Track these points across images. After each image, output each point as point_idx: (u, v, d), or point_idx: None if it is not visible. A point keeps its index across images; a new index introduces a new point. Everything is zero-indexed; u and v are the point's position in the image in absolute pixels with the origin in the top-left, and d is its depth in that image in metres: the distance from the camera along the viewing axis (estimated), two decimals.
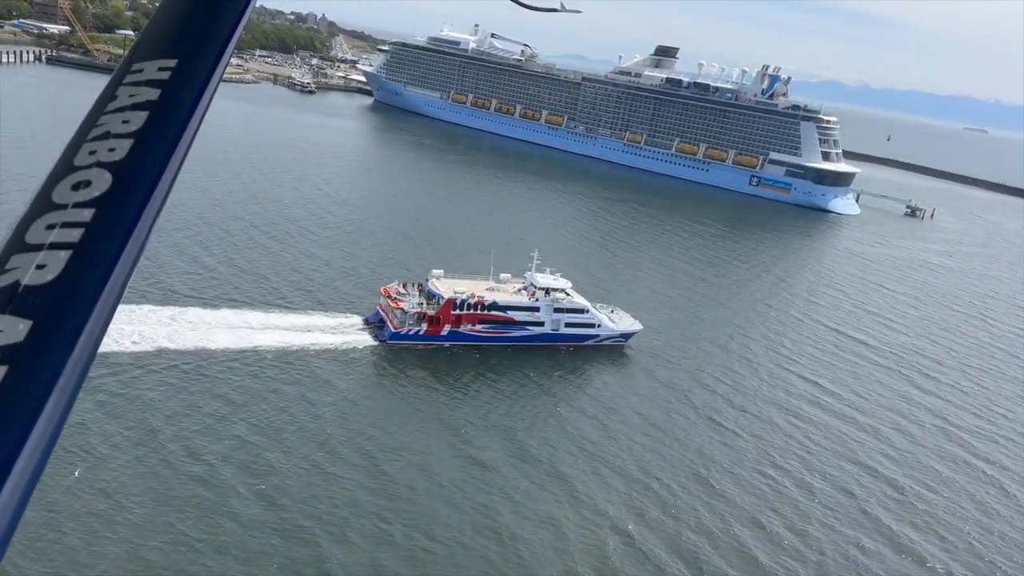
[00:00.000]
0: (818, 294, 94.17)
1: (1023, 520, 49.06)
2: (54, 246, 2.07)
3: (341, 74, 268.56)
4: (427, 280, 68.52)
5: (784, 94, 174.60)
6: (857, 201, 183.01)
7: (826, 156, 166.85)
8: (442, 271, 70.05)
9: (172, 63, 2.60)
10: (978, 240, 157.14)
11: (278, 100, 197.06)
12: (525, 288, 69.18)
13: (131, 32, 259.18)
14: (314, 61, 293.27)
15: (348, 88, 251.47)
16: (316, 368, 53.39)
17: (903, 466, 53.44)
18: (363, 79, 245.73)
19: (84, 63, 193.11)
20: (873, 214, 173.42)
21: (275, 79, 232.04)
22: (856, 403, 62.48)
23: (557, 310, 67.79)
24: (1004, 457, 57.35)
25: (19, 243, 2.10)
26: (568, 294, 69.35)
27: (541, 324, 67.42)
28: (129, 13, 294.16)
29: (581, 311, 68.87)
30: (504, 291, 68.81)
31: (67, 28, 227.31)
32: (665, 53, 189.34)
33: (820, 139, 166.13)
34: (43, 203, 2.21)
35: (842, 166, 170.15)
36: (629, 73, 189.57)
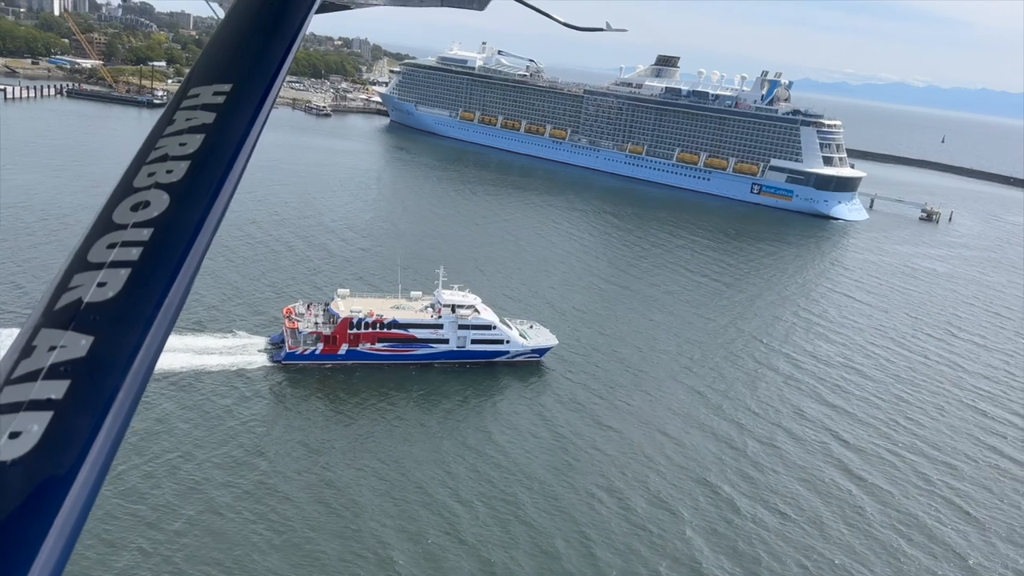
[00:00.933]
0: (762, 304, 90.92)
1: (865, 545, 46.21)
2: (114, 264, 2.13)
3: (364, 96, 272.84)
4: (332, 299, 68.99)
5: (786, 99, 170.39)
6: (871, 206, 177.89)
7: (828, 161, 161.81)
8: (348, 290, 70.40)
9: (227, 88, 2.68)
10: (987, 243, 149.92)
11: (290, 124, 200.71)
12: (432, 306, 68.94)
13: (163, 63, 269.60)
14: (343, 85, 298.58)
15: (367, 110, 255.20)
16: (162, 392, 53.80)
17: (756, 487, 50.95)
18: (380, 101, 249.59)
19: (102, 95, 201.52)
20: (885, 219, 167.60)
21: (293, 104, 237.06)
22: (739, 418, 59.95)
23: (463, 327, 67.21)
24: (881, 477, 54.20)
25: (81, 262, 2.16)
26: (477, 310, 68.68)
27: (446, 341, 67.00)
28: (165, 45, 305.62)
29: (488, 327, 68.13)
30: (411, 309, 68.66)
31: (100, 62, 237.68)
32: (666, 63, 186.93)
33: (821, 144, 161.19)
34: (104, 223, 2.28)
35: (846, 171, 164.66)
36: (630, 84, 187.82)
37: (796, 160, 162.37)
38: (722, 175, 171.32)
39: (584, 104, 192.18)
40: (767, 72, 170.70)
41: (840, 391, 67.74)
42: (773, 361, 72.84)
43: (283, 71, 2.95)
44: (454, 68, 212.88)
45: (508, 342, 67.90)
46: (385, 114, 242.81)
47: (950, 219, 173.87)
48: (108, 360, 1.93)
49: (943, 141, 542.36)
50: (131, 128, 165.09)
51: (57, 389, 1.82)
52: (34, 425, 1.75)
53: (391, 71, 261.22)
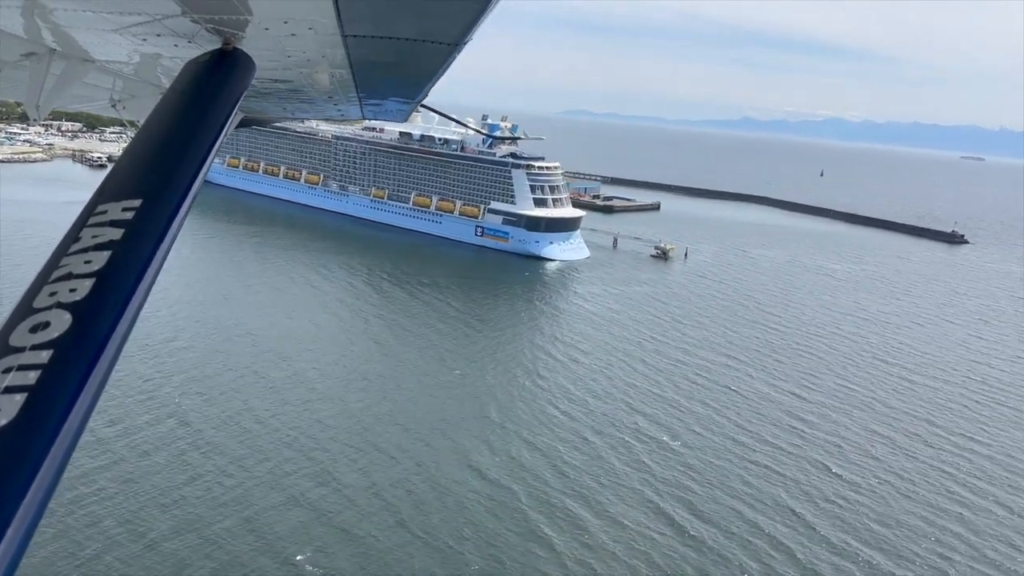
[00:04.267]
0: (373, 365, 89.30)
1: None
2: (9, 390, 1.98)
3: None
4: None
5: (508, 142, 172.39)
6: (615, 245, 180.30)
7: (541, 202, 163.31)
8: None
9: (137, 203, 2.65)
10: (688, 279, 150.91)
11: (49, 178, 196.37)
12: None
13: None
14: None
15: None
16: None
17: None
18: None
19: None
20: (617, 257, 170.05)
21: (74, 156, 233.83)
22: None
23: None
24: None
25: None
26: None
27: None
28: None
29: None
30: None
31: None
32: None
33: (532, 186, 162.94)
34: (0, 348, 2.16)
35: (561, 211, 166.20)
36: (374, 128, 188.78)
37: (510, 202, 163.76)
38: (452, 218, 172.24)
39: (333, 149, 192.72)
40: (486, 116, 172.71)
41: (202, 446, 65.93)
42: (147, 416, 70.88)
43: (195, 186, 2.94)
44: None
45: None
46: None
47: (685, 256, 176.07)
48: None
49: (822, 175, 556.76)
50: None
51: None
52: None
53: None
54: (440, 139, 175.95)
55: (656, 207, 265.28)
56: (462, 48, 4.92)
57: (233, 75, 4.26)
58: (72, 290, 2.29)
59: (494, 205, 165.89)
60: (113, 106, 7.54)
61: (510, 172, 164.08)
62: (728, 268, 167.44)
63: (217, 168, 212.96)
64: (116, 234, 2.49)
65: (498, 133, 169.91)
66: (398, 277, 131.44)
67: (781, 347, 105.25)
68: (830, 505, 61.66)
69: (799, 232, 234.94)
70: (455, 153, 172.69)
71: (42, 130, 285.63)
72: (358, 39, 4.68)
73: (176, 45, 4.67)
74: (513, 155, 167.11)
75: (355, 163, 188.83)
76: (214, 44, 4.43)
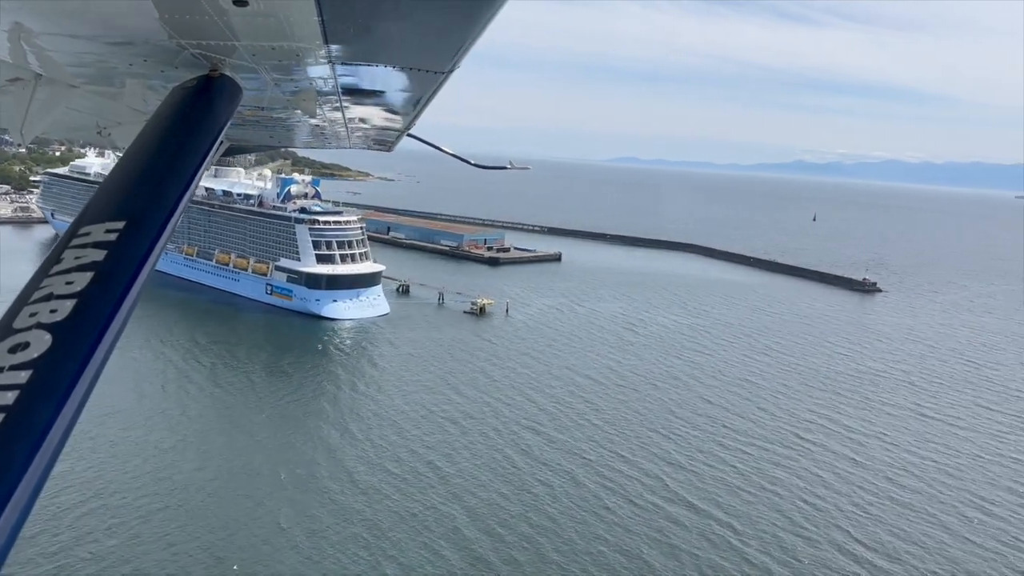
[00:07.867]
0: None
1: None
2: None
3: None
4: None
5: (312, 196, 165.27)
6: (441, 301, 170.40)
7: (326, 259, 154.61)
8: None
9: (120, 225, 2.70)
10: (468, 339, 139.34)
11: None
12: None
13: None
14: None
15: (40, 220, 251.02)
16: None
17: None
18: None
19: None
20: (430, 313, 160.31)
21: None
22: None
23: None
24: None
25: None
26: None
27: None
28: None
29: None
30: None
31: None
32: (226, 163, 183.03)
33: (315, 241, 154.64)
34: None
35: (351, 267, 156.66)
36: None
37: (296, 259, 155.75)
38: (247, 276, 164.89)
39: None
40: (280, 171, 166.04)
41: None
42: None
43: (179, 210, 3.01)
44: (76, 176, 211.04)
45: None
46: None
47: (507, 312, 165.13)
48: None
49: (814, 219, 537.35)
50: None
51: None
52: None
53: (31, 180, 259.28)
54: (240, 194, 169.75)
55: (557, 258, 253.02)
56: (448, 76, 4.82)
57: (219, 100, 4.22)
58: (53, 311, 2.24)
59: (282, 262, 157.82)
60: (99, 133, 7.42)
61: (294, 227, 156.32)
62: (537, 326, 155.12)
63: None
64: (99, 255, 2.47)
65: (291, 187, 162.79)
66: (178, 343, 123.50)
67: (430, 417, 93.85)
68: None
69: (689, 281, 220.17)
70: (250, 208, 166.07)
71: None
72: (346, 66, 4.65)
73: (162, 71, 4.60)
74: (303, 210, 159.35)
75: None
76: (201, 70, 4.37)
